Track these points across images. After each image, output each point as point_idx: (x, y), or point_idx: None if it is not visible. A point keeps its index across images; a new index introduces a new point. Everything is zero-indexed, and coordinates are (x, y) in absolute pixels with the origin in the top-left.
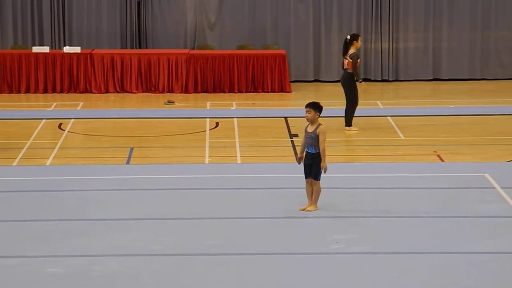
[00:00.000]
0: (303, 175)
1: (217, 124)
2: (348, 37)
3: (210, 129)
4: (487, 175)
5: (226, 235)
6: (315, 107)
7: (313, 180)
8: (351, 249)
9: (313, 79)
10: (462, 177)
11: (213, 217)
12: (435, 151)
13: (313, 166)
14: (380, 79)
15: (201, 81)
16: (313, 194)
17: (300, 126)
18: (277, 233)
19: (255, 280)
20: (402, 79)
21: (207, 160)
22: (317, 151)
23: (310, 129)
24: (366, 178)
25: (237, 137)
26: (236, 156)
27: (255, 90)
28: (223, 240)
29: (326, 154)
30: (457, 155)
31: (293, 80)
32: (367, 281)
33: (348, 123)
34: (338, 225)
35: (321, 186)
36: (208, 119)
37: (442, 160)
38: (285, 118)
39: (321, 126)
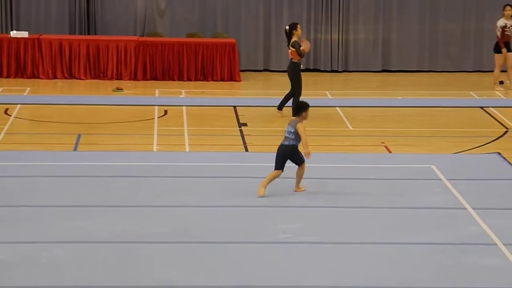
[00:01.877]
0: (252, 164)
1: (165, 112)
2: (287, 27)
3: (158, 117)
4: (433, 167)
5: (172, 223)
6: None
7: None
8: (298, 239)
9: (262, 69)
10: (409, 169)
11: (160, 205)
12: (383, 142)
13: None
14: (329, 69)
15: (150, 68)
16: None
17: (249, 115)
18: (224, 222)
19: (200, 268)
20: (351, 70)
21: (155, 147)
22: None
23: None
24: (314, 168)
25: (185, 125)
26: (184, 144)
27: (204, 79)
28: (169, 228)
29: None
30: (405, 147)
31: (242, 69)
32: (312, 270)
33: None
34: (286, 214)
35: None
36: (156, 107)
37: (390, 151)
38: (234, 107)
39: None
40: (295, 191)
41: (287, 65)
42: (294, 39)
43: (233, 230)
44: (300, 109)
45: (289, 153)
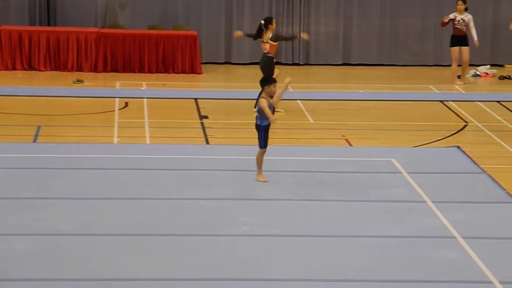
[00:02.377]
0: (214, 157)
1: (126, 104)
2: (263, 21)
3: (119, 109)
4: (393, 160)
5: (134, 216)
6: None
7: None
8: (259, 231)
9: (224, 61)
10: (369, 162)
11: (121, 198)
12: (343, 135)
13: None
14: (291, 62)
15: (111, 60)
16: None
17: (210, 108)
18: (185, 215)
19: (161, 261)
20: (312, 63)
21: (115, 140)
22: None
23: (271, 102)
24: (275, 161)
25: (146, 117)
26: (145, 137)
27: (166, 71)
28: (130, 221)
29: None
30: (365, 140)
31: (204, 61)
32: (271, 263)
33: None
34: (247, 207)
35: (229, 168)
36: (117, 99)
37: (350, 145)
38: (195, 99)
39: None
40: (257, 179)
41: (261, 59)
42: (268, 34)
43: (194, 223)
44: (264, 82)
45: (257, 131)
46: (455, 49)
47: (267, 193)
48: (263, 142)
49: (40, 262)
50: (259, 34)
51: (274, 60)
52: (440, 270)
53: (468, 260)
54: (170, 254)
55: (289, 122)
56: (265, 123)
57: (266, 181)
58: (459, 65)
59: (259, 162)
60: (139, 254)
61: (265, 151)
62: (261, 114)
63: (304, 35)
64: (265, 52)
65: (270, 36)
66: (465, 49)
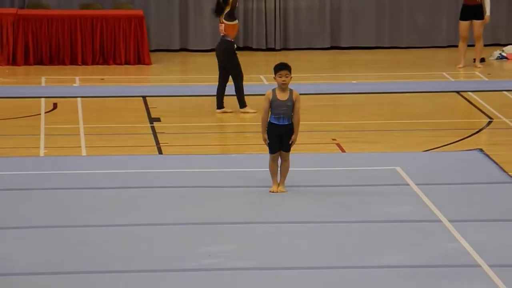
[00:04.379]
0: (167, 170)
1: (55, 105)
2: None
3: (46, 112)
4: (398, 169)
5: (66, 248)
6: (290, 68)
7: (283, 152)
8: (228, 264)
9: (179, 48)
10: (368, 172)
11: (49, 225)
12: (334, 139)
13: (285, 138)
14: (264, 47)
15: (33, 50)
16: (282, 171)
17: (163, 108)
18: (132, 245)
19: None
20: (292, 47)
21: (42, 152)
22: (291, 122)
23: (283, 96)
24: (249, 173)
25: (81, 122)
26: (80, 147)
27: (105, 62)
28: (61, 254)
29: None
30: (361, 144)
31: (153, 49)
32: None
33: (241, 103)
34: (211, 233)
35: (187, 184)
36: (43, 99)
37: (343, 150)
38: (144, 97)
39: (294, 91)
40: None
41: (217, 44)
42: (226, 10)
43: (144, 254)
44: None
45: None
46: (465, 23)
47: (237, 215)
48: (269, 146)
49: None
50: (218, 10)
51: (235, 46)
52: None
53: None
54: None
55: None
56: (269, 120)
57: (284, 192)
58: (470, 45)
59: (271, 171)
60: None
61: (274, 157)
62: (291, 111)
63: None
64: (222, 34)
65: (227, 12)
66: (478, 23)
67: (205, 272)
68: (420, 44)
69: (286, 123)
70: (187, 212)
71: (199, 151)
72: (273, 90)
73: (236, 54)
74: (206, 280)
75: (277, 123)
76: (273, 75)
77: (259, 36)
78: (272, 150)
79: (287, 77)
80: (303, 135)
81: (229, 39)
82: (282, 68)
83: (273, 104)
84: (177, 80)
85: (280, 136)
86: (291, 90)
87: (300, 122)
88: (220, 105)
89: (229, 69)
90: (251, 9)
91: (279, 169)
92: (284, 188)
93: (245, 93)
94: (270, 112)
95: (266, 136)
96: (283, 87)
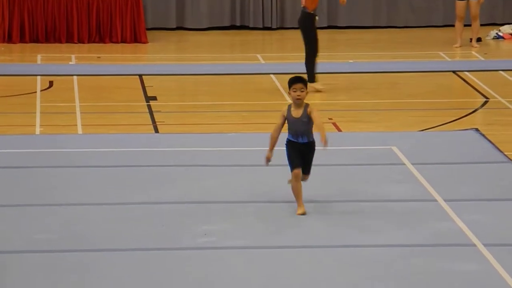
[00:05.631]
0: (163, 149)
1: (51, 83)
2: None
3: (41, 90)
4: (394, 148)
5: (61, 227)
6: (306, 82)
7: (306, 176)
8: (224, 243)
9: (175, 26)
10: (364, 151)
11: (45, 203)
12: (330, 118)
13: (307, 155)
14: (261, 26)
15: (29, 27)
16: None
17: (159, 86)
18: (127, 224)
19: (100, 283)
20: (288, 26)
21: (38, 130)
22: (312, 139)
23: (297, 113)
24: (244, 152)
25: (77, 100)
26: (76, 125)
27: (101, 40)
28: (58, 233)
29: None
30: (358, 123)
31: (149, 27)
32: (239, 283)
33: (310, 77)
34: (207, 212)
35: (183, 163)
36: (39, 77)
37: (339, 130)
38: (140, 76)
39: (309, 105)
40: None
41: (299, 17)
42: None
43: (139, 234)
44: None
45: None
46: (461, 3)
47: (233, 193)
48: (288, 161)
49: None
50: None
51: (316, 19)
52: (456, 286)
53: (492, 273)
54: (108, 276)
55: (261, 102)
56: (287, 138)
57: (304, 213)
58: (466, 25)
59: (294, 190)
60: (68, 275)
61: (297, 174)
62: (310, 126)
63: None
64: (302, 6)
65: None
66: (474, 3)
67: (201, 251)
68: (416, 24)
69: (306, 141)
70: (183, 191)
71: (195, 130)
72: (289, 106)
73: (314, 27)
74: (201, 258)
75: (296, 141)
76: (288, 90)
77: (256, 14)
78: (293, 163)
79: (302, 91)
80: None
81: (307, 11)
82: (296, 81)
83: (289, 121)
84: (173, 58)
85: (302, 152)
86: (306, 105)
87: None
88: (311, 79)
89: (304, 40)
90: None
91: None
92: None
93: (240, 71)
94: (288, 130)
95: (270, 155)
96: (297, 102)
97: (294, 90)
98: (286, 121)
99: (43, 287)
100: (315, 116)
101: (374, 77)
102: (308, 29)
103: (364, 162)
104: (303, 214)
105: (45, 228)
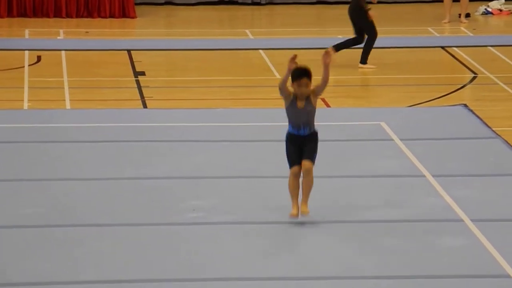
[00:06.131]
0: (152, 124)
1: (39, 58)
2: None
3: (29, 65)
4: (383, 124)
5: (50, 201)
6: (311, 75)
7: (305, 162)
8: (212, 218)
9: (164, 2)
10: (352, 126)
11: (33, 178)
12: None
13: (306, 145)
14: (250, 1)
15: (17, 1)
16: (304, 187)
17: (147, 61)
18: (117, 199)
19: (86, 259)
20: (277, 2)
21: (26, 105)
22: (314, 130)
23: (302, 103)
24: (230, 127)
25: (65, 75)
26: (64, 100)
27: (89, 15)
28: (46, 208)
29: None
30: (346, 99)
31: (138, 2)
32: (228, 258)
33: (364, 58)
34: (196, 187)
35: (172, 138)
36: (27, 52)
37: (328, 105)
38: (128, 51)
39: (310, 90)
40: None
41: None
42: None
43: (128, 208)
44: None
45: None
46: None
47: (222, 169)
48: (287, 157)
49: None
50: None
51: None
52: (444, 261)
53: (479, 248)
54: (96, 251)
55: (250, 78)
56: (288, 130)
57: (307, 213)
58: (455, 0)
59: (290, 189)
60: (57, 252)
61: (295, 171)
62: (313, 116)
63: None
64: None
65: None
66: None
67: (189, 226)
68: None
69: (308, 133)
70: (171, 166)
71: (184, 105)
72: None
73: (365, 10)
74: (191, 233)
75: (297, 133)
76: (291, 83)
77: None
78: (291, 161)
79: (307, 87)
80: None
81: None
82: (301, 75)
83: (291, 112)
84: (162, 33)
85: (299, 146)
86: (308, 94)
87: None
88: (363, 60)
89: (361, 26)
90: None
91: (300, 186)
92: (307, 207)
93: (228, 47)
94: (288, 119)
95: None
96: (302, 97)
97: (299, 85)
98: (286, 112)
99: (32, 262)
100: (316, 86)
101: None
102: (359, 13)
103: (353, 137)
104: (295, 216)
105: (33, 203)
